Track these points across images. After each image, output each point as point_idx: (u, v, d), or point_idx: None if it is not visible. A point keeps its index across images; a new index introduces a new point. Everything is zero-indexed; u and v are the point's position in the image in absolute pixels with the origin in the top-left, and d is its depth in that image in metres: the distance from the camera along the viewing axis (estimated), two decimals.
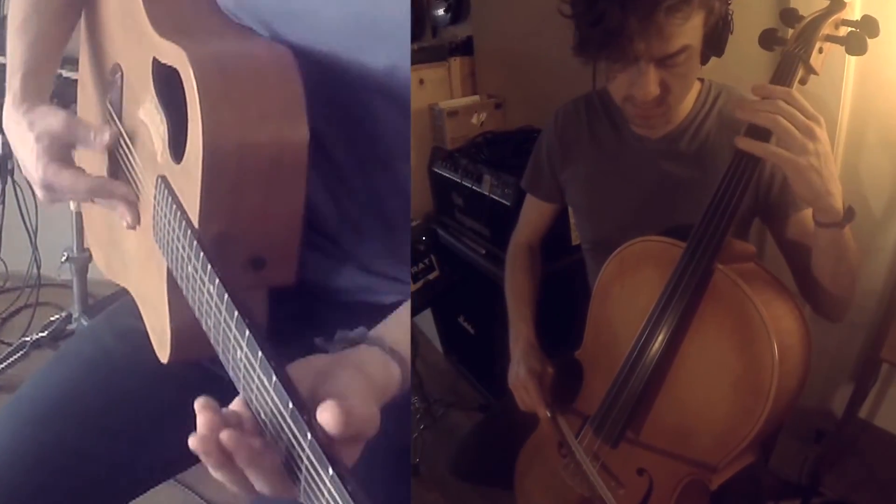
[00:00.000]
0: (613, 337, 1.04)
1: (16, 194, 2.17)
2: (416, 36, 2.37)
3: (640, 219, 1.10)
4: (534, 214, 1.38)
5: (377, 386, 0.72)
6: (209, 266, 0.70)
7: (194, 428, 1.01)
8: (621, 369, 0.99)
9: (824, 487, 1.33)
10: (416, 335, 2.08)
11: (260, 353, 0.62)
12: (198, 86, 0.74)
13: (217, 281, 0.68)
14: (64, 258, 2.15)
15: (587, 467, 1.05)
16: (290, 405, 0.58)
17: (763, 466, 1.23)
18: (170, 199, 0.80)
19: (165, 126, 0.84)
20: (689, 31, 0.96)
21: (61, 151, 0.91)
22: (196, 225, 0.77)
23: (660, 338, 0.95)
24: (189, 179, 0.78)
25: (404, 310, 0.83)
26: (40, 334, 2.21)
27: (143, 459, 0.98)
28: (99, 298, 2.24)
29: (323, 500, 0.55)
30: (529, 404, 1.12)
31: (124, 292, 1.05)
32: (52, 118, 0.90)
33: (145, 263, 0.93)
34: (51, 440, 0.94)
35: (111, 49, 1.01)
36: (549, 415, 1.10)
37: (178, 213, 0.78)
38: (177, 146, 0.81)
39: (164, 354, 0.89)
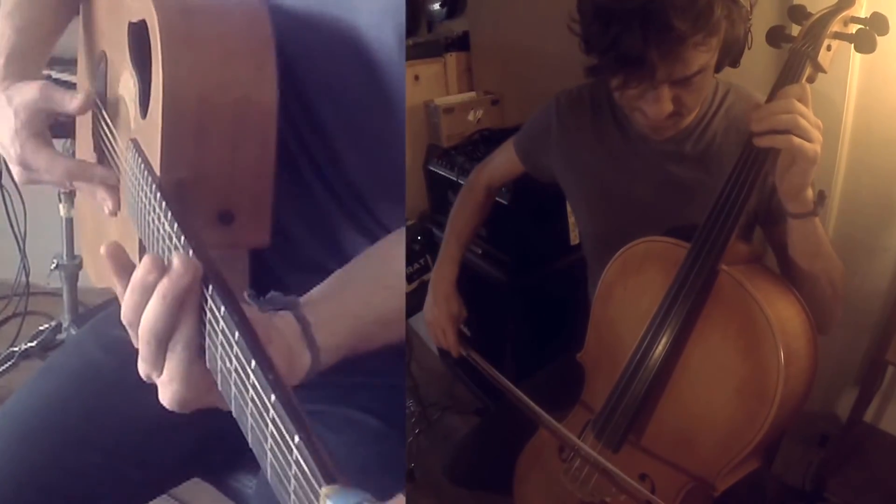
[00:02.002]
0: (616, 339, 1.03)
1: (3, 200, 2.14)
2: (411, 31, 2.35)
3: (642, 218, 1.09)
4: (506, 165, 1.35)
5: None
6: (169, 213, 0.68)
7: (187, 440, 0.99)
8: (624, 372, 0.98)
9: (829, 492, 1.32)
10: (412, 337, 2.06)
11: (224, 309, 0.59)
12: (160, 28, 0.73)
13: (175, 226, 0.67)
14: (53, 265, 2.10)
15: (600, 462, 1.02)
16: (254, 363, 0.56)
17: (766, 471, 1.22)
18: (139, 158, 0.78)
19: (137, 87, 0.82)
20: (709, 54, 0.94)
21: (40, 127, 0.89)
22: (158, 173, 0.75)
23: (663, 340, 0.94)
24: (152, 129, 0.76)
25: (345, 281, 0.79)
26: (29, 344, 2.17)
27: (135, 475, 0.96)
28: (90, 307, 2.20)
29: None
30: (446, 344, 1.23)
31: (114, 302, 1.02)
32: (28, 89, 0.88)
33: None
34: (39, 458, 0.92)
35: (100, 40, 1.00)
36: (464, 353, 1.20)
37: (146, 172, 0.75)
38: (145, 101, 0.80)
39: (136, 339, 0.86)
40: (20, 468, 0.91)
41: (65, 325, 2.17)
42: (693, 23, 0.88)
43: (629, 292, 1.01)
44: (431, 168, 2.07)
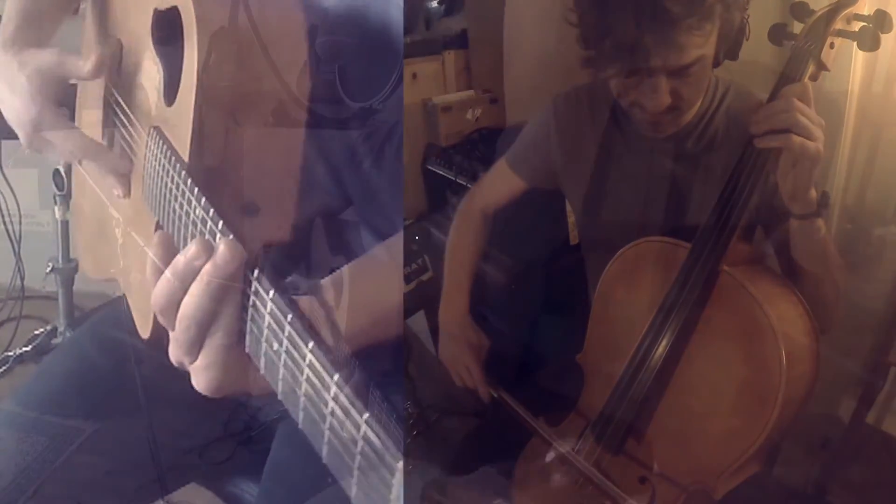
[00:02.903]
0: (616, 340, 1.02)
1: None
2: (408, 29, 2.33)
3: (644, 219, 1.09)
4: (504, 187, 1.33)
5: None
6: (203, 199, 0.67)
7: (185, 444, 0.99)
8: (623, 374, 0.98)
9: (831, 495, 1.31)
10: (409, 338, 2.05)
11: (272, 292, 0.59)
12: (196, 16, 0.73)
13: (212, 211, 0.66)
14: (49, 269, 2.09)
15: (596, 476, 1.02)
16: (311, 344, 0.55)
17: (767, 474, 1.21)
18: (164, 145, 0.78)
19: (161, 75, 0.82)
20: (705, 42, 0.93)
21: (54, 94, 0.88)
22: (186, 159, 0.74)
23: (664, 342, 0.94)
24: (181, 116, 0.75)
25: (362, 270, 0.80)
26: (24, 349, 2.14)
27: (131, 479, 0.96)
28: (85, 311, 2.19)
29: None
30: (471, 383, 1.13)
31: (111, 303, 1.02)
32: (43, 54, 0.87)
33: (134, 240, 0.90)
34: (35, 459, 0.92)
35: (113, 28, 0.99)
36: (494, 395, 1.09)
37: (174, 159, 0.75)
38: (171, 89, 0.79)
39: (145, 330, 0.85)
40: (16, 468, 0.91)
41: (60, 329, 2.16)
42: (686, 5, 0.88)
43: (629, 293, 1.01)
44: (429, 167, 2.05)
